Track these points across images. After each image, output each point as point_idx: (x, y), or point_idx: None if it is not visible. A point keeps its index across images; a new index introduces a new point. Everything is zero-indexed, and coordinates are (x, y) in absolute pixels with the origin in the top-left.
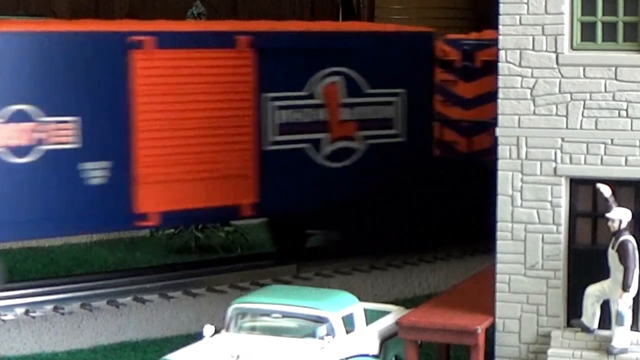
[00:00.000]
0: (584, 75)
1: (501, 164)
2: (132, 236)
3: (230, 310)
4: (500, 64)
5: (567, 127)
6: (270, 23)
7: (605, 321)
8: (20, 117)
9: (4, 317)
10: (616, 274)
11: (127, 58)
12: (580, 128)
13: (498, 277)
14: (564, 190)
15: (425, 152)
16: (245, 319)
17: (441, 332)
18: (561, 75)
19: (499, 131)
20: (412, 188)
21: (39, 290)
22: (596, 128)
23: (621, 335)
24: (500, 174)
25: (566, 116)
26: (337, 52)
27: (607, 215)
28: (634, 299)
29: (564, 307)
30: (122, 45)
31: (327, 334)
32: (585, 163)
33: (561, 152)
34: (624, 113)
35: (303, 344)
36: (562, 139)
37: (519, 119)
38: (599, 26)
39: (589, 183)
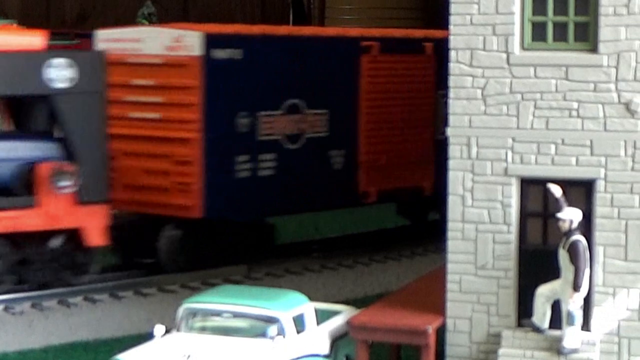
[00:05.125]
0: (534, 75)
1: (452, 163)
2: None
3: (181, 310)
4: (451, 64)
5: (517, 127)
6: None
7: (556, 321)
8: None
9: None
10: (567, 274)
11: None
12: (531, 128)
13: (449, 276)
14: (514, 190)
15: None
16: (196, 319)
17: (392, 332)
18: (512, 75)
19: (449, 131)
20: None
21: None
22: (547, 128)
23: (572, 335)
24: (451, 173)
25: (517, 116)
26: None
27: (558, 215)
28: (584, 299)
29: (514, 307)
30: None
31: (278, 334)
32: (536, 163)
33: (512, 152)
34: (574, 113)
35: (254, 344)
36: (513, 139)
37: (470, 118)
38: (550, 26)
39: (540, 183)
